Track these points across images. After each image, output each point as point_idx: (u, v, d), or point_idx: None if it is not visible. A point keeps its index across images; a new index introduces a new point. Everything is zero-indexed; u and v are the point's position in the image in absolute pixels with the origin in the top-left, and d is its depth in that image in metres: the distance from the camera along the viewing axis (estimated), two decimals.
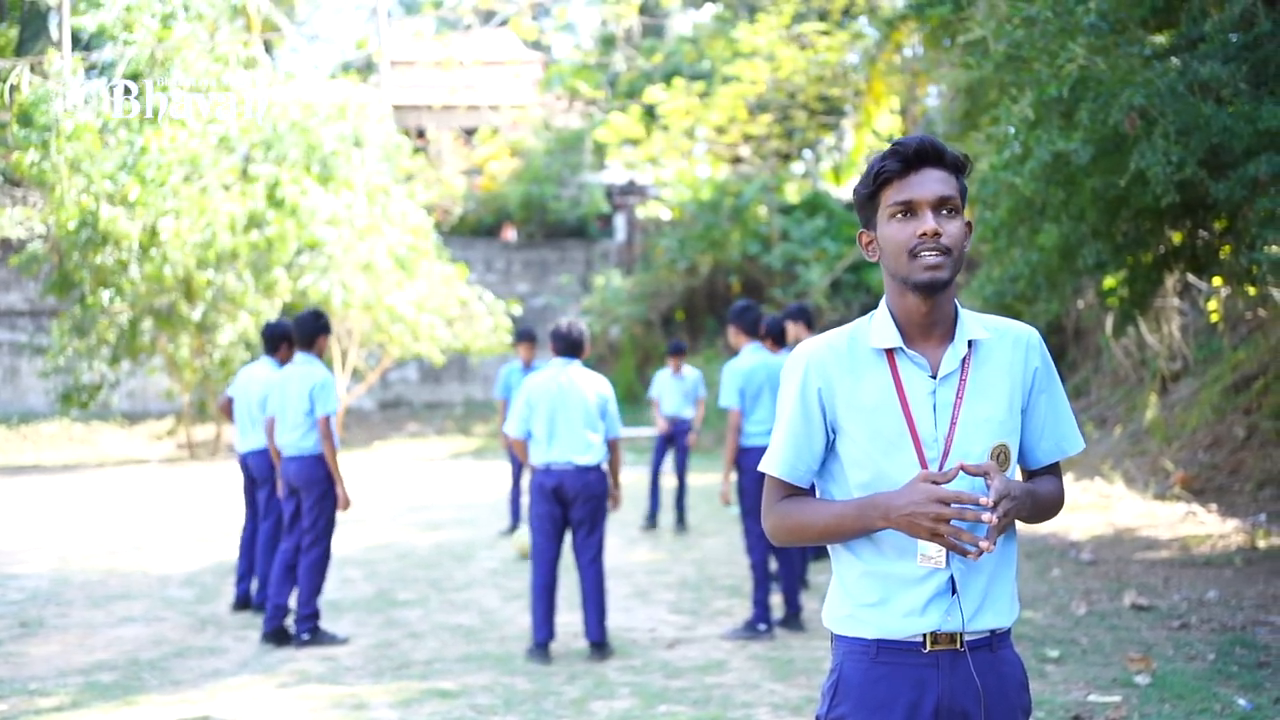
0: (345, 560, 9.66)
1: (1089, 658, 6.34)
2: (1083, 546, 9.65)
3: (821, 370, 2.44)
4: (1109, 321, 11.17)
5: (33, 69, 21.13)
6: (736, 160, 22.65)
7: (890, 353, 2.43)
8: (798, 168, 25.31)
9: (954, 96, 12.03)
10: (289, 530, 6.94)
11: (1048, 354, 2.54)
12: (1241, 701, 5.43)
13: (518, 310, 20.64)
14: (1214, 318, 12.42)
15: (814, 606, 7.61)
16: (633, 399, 21.21)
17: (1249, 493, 10.50)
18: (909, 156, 2.37)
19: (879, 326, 2.45)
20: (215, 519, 11.80)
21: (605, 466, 6.55)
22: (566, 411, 6.40)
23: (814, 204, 22.53)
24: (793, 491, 2.50)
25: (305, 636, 6.73)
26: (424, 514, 12.34)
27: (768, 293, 21.12)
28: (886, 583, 2.40)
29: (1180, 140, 6.51)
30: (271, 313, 18.56)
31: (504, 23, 27.73)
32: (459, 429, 22.21)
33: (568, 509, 6.47)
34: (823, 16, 20.65)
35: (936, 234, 2.34)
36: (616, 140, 22.80)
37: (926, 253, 2.34)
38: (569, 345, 6.55)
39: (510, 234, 25.36)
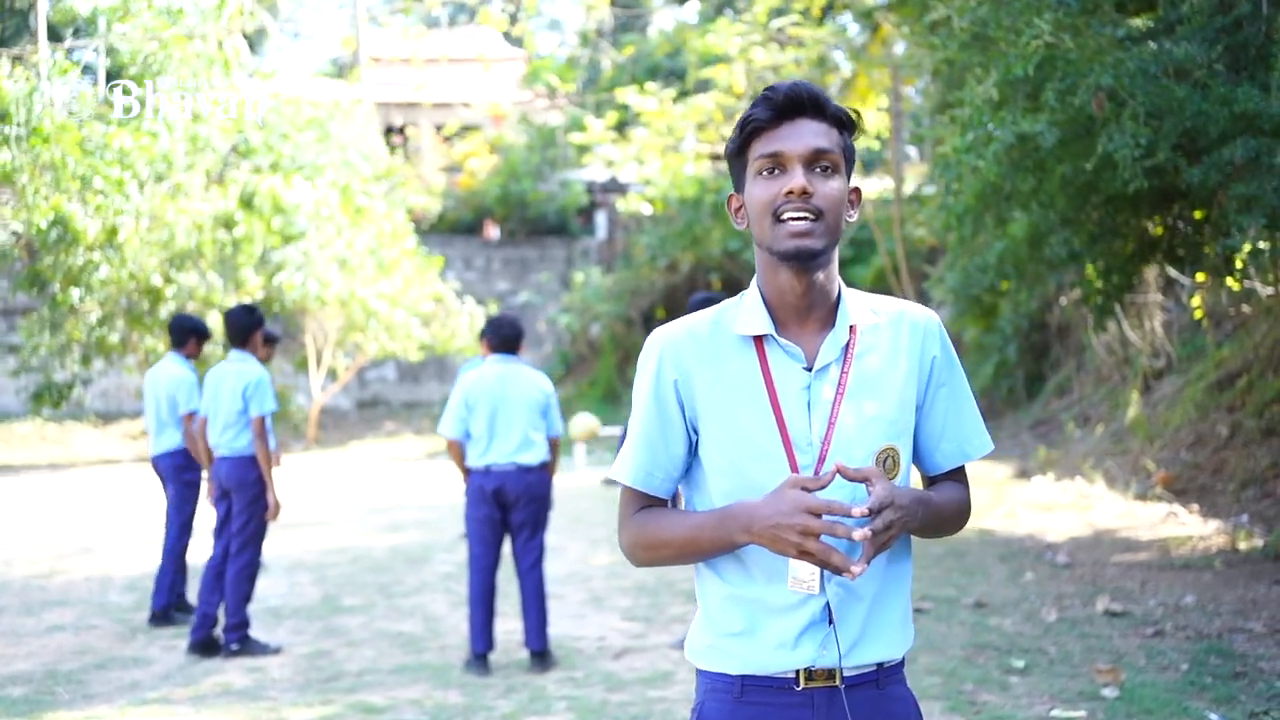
0: (297, 564, 9.34)
1: (1056, 668, 6.03)
2: (1059, 548, 9.35)
3: (678, 360, 2.08)
4: (1092, 318, 10.87)
5: (13, 64, 20.84)
6: (716, 157, 22.34)
7: (759, 340, 2.06)
8: None
9: (932, 82, 11.70)
10: (217, 535, 6.60)
11: (948, 342, 2.17)
12: (1214, 716, 5.12)
13: (496, 310, 20.34)
14: (1198, 314, 12.11)
15: None
16: (612, 397, 20.89)
17: (1232, 492, 10.18)
18: (780, 104, 2.01)
19: (746, 310, 2.09)
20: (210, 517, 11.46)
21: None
22: (508, 410, 6.07)
23: None
24: (650, 502, 2.13)
25: (234, 646, 6.39)
26: (386, 515, 12.00)
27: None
28: (754, 610, 2.04)
29: (1150, 123, 6.20)
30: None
31: (473, 16, 27.40)
32: (437, 429, 21.89)
33: (508, 512, 6.14)
34: (803, 13, 20.31)
35: (805, 192, 1.97)
36: (590, 143, 22.55)
37: (793, 214, 1.98)
38: (506, 341, 6.22)
39: (493, 231, 25.05)
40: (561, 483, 10.47)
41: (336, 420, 22.43)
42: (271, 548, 9.85)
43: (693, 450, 2.11)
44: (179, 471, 7.26)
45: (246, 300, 18.18)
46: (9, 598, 8.20)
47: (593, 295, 21.70)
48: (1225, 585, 7.76)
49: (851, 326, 2.08)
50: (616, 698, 5.62)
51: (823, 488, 1.93)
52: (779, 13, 20.78)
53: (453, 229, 24.68)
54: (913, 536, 2.10)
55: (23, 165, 17.43)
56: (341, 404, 23.19)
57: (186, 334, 7.37)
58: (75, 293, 17.49)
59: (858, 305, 2.11)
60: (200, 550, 7.52)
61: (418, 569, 9.09)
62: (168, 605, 7.29)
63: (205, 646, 6.46)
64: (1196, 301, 11.89)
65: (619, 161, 22.80)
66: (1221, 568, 8.20)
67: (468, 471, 6.18)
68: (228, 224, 17.81)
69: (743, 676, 2.04)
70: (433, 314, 19.96)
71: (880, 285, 19.83)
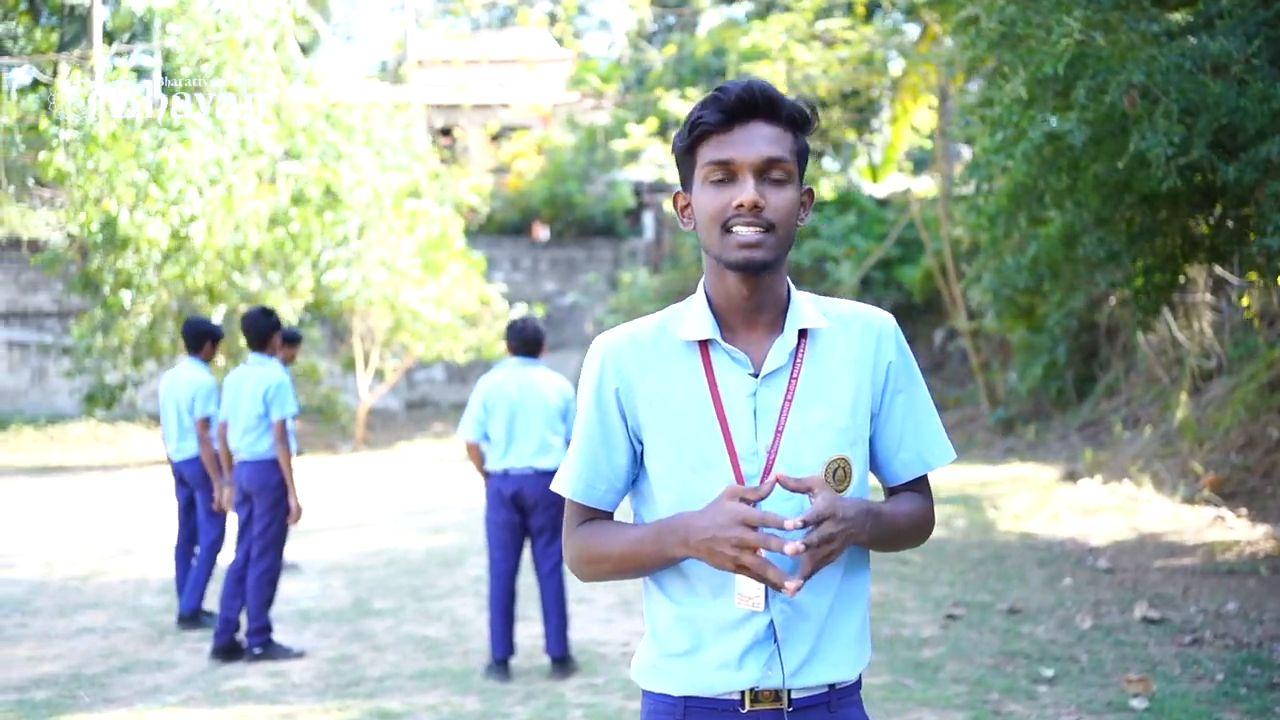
0: (333, 566, 9.38)
1: (1086, 677, 5.89)
2: (1101, 553, 9.16)
3: (619, 367, 2.01)
4: (1136, 319, 10.64)
5: (71, 69, 21.25)
6: None
7: (704, 346, 1.99)
8: (830, 164, 24.81)
9: (969, 81, 11.52)
10: (239, 539, 6.62)
11: (905, 345, 2.09)
12: None
13: (542, 313, 20.36)
14: (1248, 314, 11.83)
15: None
16: None
17: None
18: (731, 105, 1.92)
19: (692, 314, 2.01)
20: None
21: None
22: (526, 414, 6.04)
23: (845, 200, 22.05)
24: (593, 515, 2.08)
25: (257, 650, 6.41)
26: (427, 517, 12.03)
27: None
28: (698, 628, 1.96)
29: (1184, 120, 6.03)
30: (293, 315, 18.52)
31: (506, 20, 27.49)
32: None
33: (527, 516, 6.10)
34: (849, 11, 20.11)
35: (756, 205, 1.89)
36: (631, 149, 22.51)
37: (742, 227, 1.90)
38: (527, 344, 6.19)
39: (541, 232, 25.08)
40: None
41: (385, 421, 22.56)
42: (307, 550, 9.93)
43: (638, 460, 2.05)
44: (207, 477, 7.30)
45: (298, 301, 18.42)
46: (45, 599, 8.30)
47: (640, 296, 21.63)
48: (1270, 592, 7.56)
49: (802, 331, 2.00)
50: (634, 705, 5.56)
51: (763, 498, 1.85)
52: (826, 12, 20.61)
53: (501, 230, 24.75)
54: (872, 550, 2.04)
55: (76, 169, 17.81)
56: (390, 405, 23.33)
57: (202, 338, 7.39)
58: (126, 295, 17.77)
59: (808, 309, 2.03)
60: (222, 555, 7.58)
61: (451, 572, 9.09)
62: (197, 607, 7.35)
63: (228, 652, 6.48)
64: (1247, 301, 11.62)
65: (667, 161, 22.74)
66: (1267, 574, 8.00)
67: (487, 475, 6.15)
68: (282, 222, 18.06)
69: (685, 698, 1.98)
70: (478, 315, 20.04)
71: (928, 286, 19.62)
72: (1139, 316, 9.05)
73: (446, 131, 27.61)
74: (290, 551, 9.72)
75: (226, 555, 7.49)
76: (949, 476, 14.31)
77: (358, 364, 20.33)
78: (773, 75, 18.34)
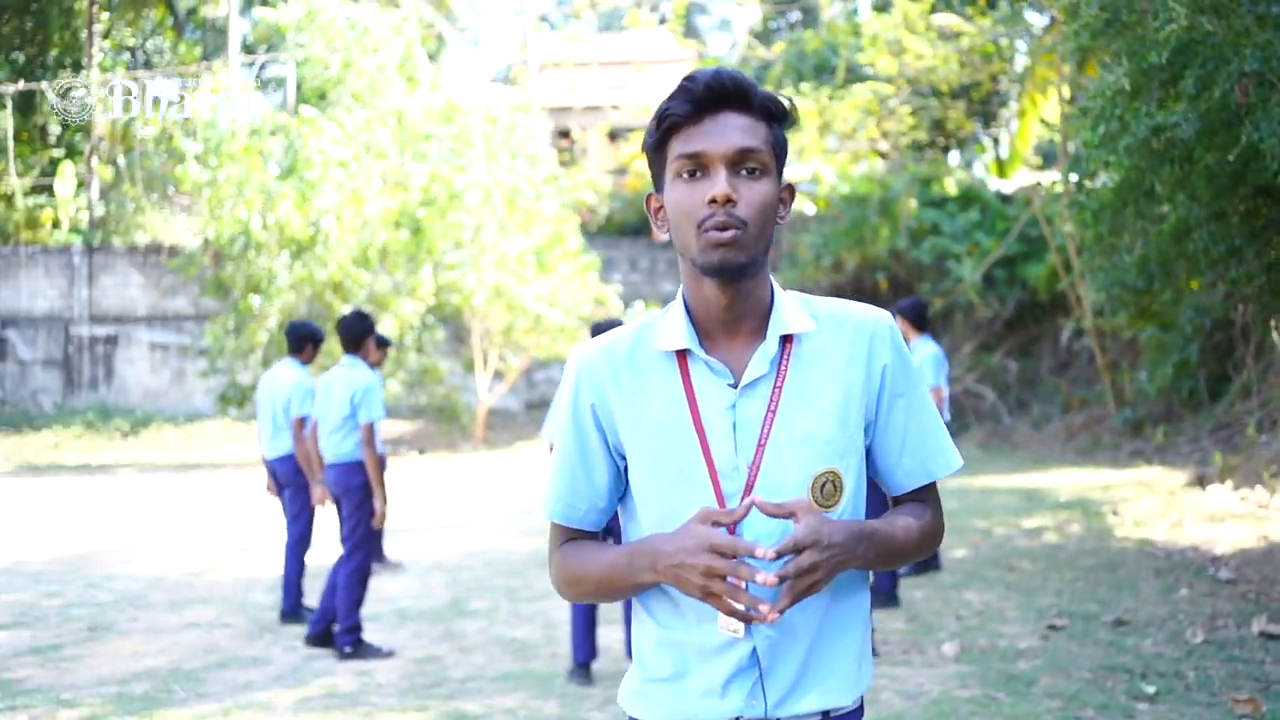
0: (434, 566, 9.49)
1: (1191, 695, 5.60)
2: (1224, 563, 8.73)
3: (594, 382, 1.92)
4: (1257, 317, 10.14)
5: (206, 81, 22.08)
6: (881, 155, 21.81)
7: (682, 356, 1.89)
8: (954, 159, 24.28)
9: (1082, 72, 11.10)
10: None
11: (903, 346, 1.95)
12: None
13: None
14: None
15: (899, 626, 7.03)
16: None
17: None
18: (700, 95, 1.81)
19: (669, 324, 1.91)
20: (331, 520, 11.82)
21: None
22: None
23: (967, 197, 21.52)
24: (575, 536, 1.99)
25: (348, 649, 6.51)
26: (532, 518, 12.10)
27: (917, 289, 20.29)
28: (682, 653, 1.87)
29: None
30: (414, 315, 18.93)
31: (613, 25, 27.52)
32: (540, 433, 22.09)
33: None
34: (970, 1, 19.60)
35: (729, 199, 1.78)
36: None
37: (716, 224, 1.79)
38: None
39: (663, 233, 25.11)
40: None
41: (505, 421, 22.82)
42: (412, 549, 10.08)
43: (621, 477, 1.96)
44: (297, 475, 7.45)
45: (419, 303, 18.81)
46: (160, 594, 8.57)
47: None
48: None
49: (787, 336, 1.89)
50: None
51: (738, 521, 1.76)
52: (946, 3, 20.15)
53: (620, 231, 24.83)
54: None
55: (209, 179, 18.55)
56: (510, 405, 23.59)
57: (304, 340, 7.55)
58: (255, 299, 18.37)
59: (793, 312, 1.90)
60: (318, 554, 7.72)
61: (547, 574, 9.10)
62: (296, 603, 7.51)
63: (321, 639, 6.64)
64: None
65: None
66: None
67: None
68: (406, 223, 18.53)
69: None
70: (595, 316, 20.13)
71: (1053, 283, 19.03)
72: (1263, 314, 8.60)
73: (565, 134, 27.83)
74: (395, 550, 9.92)
75: (318, 553, 7.63)
76: (1068, 480, 13.86)
77: (477, 364, 20.62)
78: (887, 68, 17.97)
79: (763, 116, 1.85)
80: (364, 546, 6.59)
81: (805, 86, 21.10)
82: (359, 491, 6.55)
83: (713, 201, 1.79)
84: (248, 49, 28.59)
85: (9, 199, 26.35)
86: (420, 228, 18.75)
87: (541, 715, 5.51)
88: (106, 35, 28.44)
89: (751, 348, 1.88)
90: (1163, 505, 11.38)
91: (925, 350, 8.47)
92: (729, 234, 1.79)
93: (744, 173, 1.82)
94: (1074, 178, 6.84)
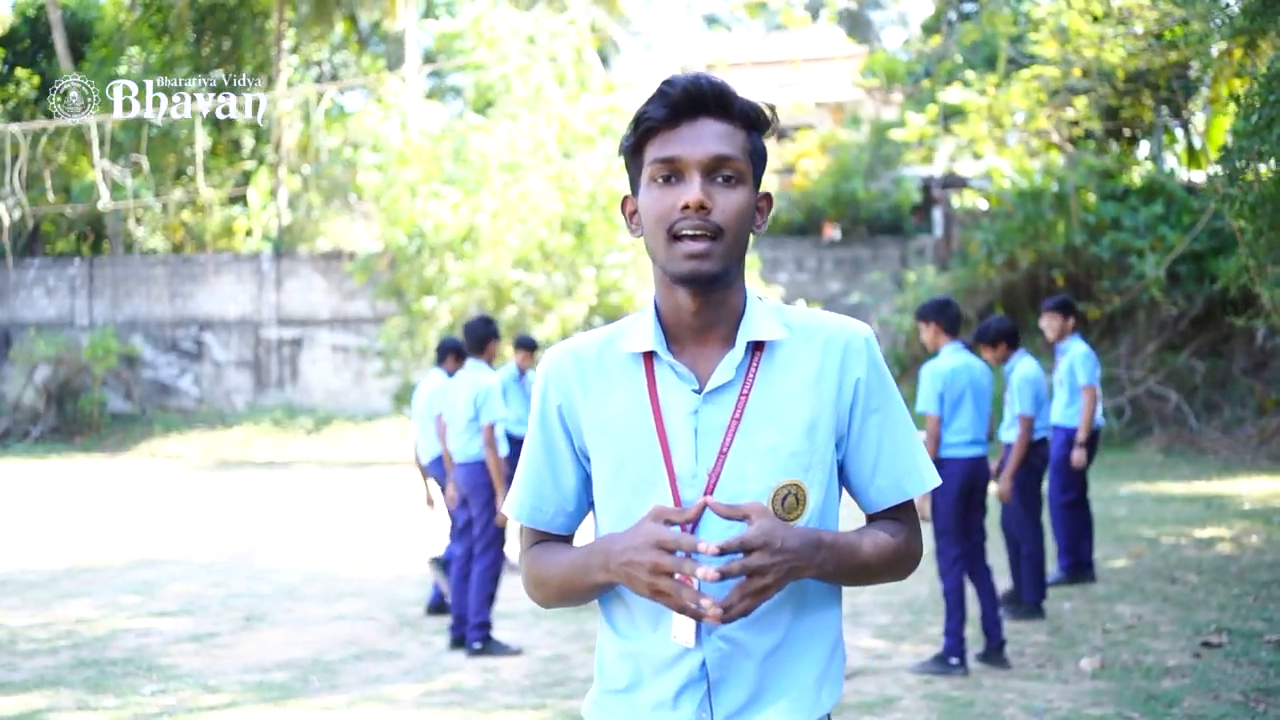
0: None
1: None
2: None
3: (561, 384, 1.90)
4: None
5: (379, 92, 22.92)
6: (1052, 147, 21.02)
7: (649, 359, 1.86)
8: (1142, 150, 23.24)
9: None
10: (460, 537, 6.88)
11: (880, 360, 1.88)
12: None
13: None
14: None
15: (1039, 639, 6.76)
16: None
17: None
18: (677, 100, 1.78)
19: (639, 327, 1.88)
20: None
21: None
22: None
23: (1152, 189, 20.51)
24: (544, 539, 1.97)
25: (477, 646, 6.63)
26: None
27: (1095, 286, 19.50)
28: (638, 663, 1.84)
29: None
30: (578, 316, 19.21)
31: (815, 17, 27.26)
32: None
33: None
34: None
35: (702, 205, 1.74)
36: (908, 140, 21.83)
37: (689, 232, 1.76)
38: None
39: (833, 232, 24.80)
40: None
41: None
42: None
43: (590, 480, 1.94)
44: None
45: (580, 304, 19.07)
46: (315, 587, 8.90)
47: (926, 295, 20.96)
48: None
49: (758, 344, 1.84)
50: None
51: (689, 521, 1.71)
52: None
53: (786, 230, 24.65)
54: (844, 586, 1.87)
55: (384, 186, 19.29)
56: None
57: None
58: (428, 301, 18.95)
59: (764, 320, 1.86)
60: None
61: None
62: (441, 599, 7.70)
63: (460, 643, 6.77)
64: None
65: (954, 153, 21.93)
66: None
67: None
68: (569, 226, 18.85)
69: None
70: None
71: (1241, 278, 18.00)
72: None
73: None
74: None
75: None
76: (1256, 488, 13.11)
77: None
78: (1055, 56, 17.27)
79: (742, 124, 1.82)
80: (495, 545, 6.70)
81: (971, 75, 20.48)
82: (484, 491, 6.68)
83: (685, 207, 1.76)
84: (429, 59, 29.46)
85: (205, 210, 27.83)
86: (584, 230, 19.01)
87: None
88: (294, 50, 29.70)
89: (720, 354, 1.85)
90: None
91: (1077, 350, 8.13)
92: (701, 245, 1.76)
93: (719, 180, 1.79)
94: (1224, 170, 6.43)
